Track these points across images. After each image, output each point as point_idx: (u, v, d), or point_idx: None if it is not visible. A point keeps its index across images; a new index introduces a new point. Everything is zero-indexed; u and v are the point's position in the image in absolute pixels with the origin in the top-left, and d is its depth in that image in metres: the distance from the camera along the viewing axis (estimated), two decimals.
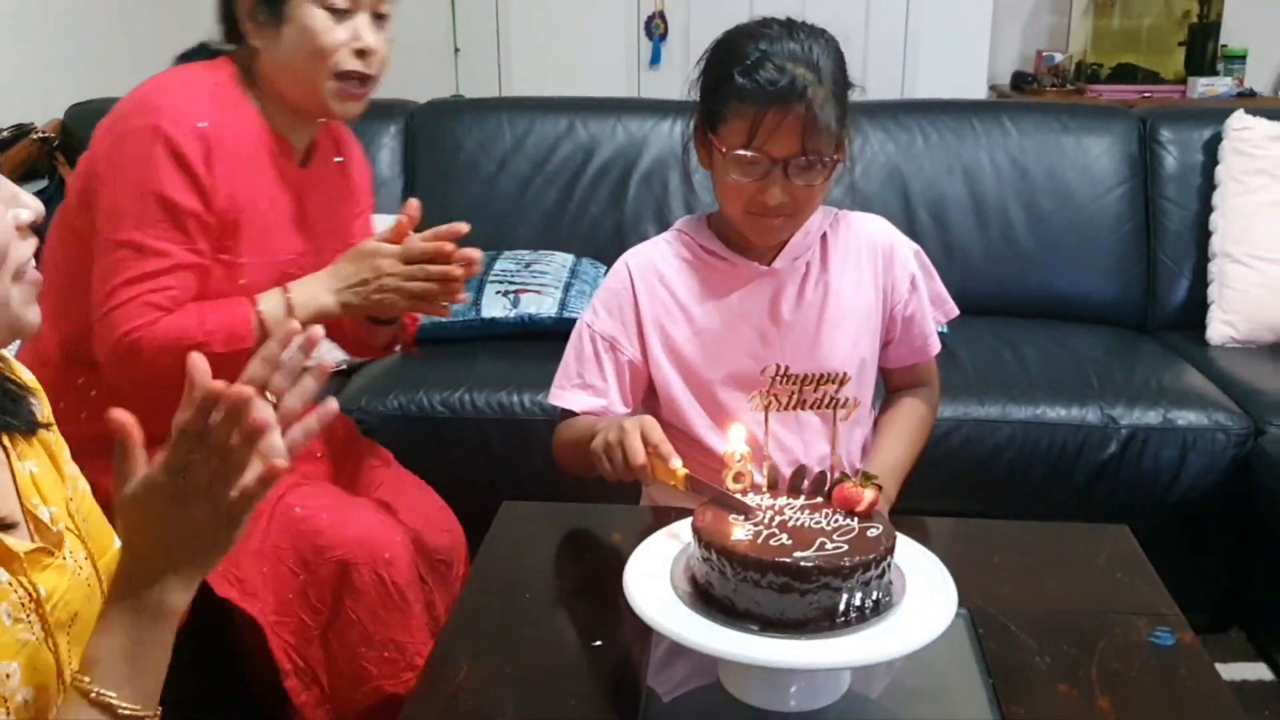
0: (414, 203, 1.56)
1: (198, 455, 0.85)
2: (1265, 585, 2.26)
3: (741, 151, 1.44)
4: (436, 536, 1.73)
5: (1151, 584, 1.34)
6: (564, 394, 1.60)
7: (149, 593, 0.87)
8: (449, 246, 1.53)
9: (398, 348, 1.80)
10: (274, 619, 1.54)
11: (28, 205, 0.92)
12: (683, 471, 1.30)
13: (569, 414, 1.60)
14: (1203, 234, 2.67)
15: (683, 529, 1.22)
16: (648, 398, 1.64)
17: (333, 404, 1.01)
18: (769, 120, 1.41)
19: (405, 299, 1.55)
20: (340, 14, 1.53)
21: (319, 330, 0.99)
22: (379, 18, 1.58)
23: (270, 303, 1.54)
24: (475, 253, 1.55)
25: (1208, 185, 2.68)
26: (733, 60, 1.45)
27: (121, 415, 0.86)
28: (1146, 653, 1.20)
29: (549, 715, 1.13)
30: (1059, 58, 3.86)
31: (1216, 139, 2.68)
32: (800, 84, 1.41)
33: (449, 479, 1.92)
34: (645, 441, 1.34)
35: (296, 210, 1.63)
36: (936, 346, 1.67)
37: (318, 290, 1.55)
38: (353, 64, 1.55)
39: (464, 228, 1.55)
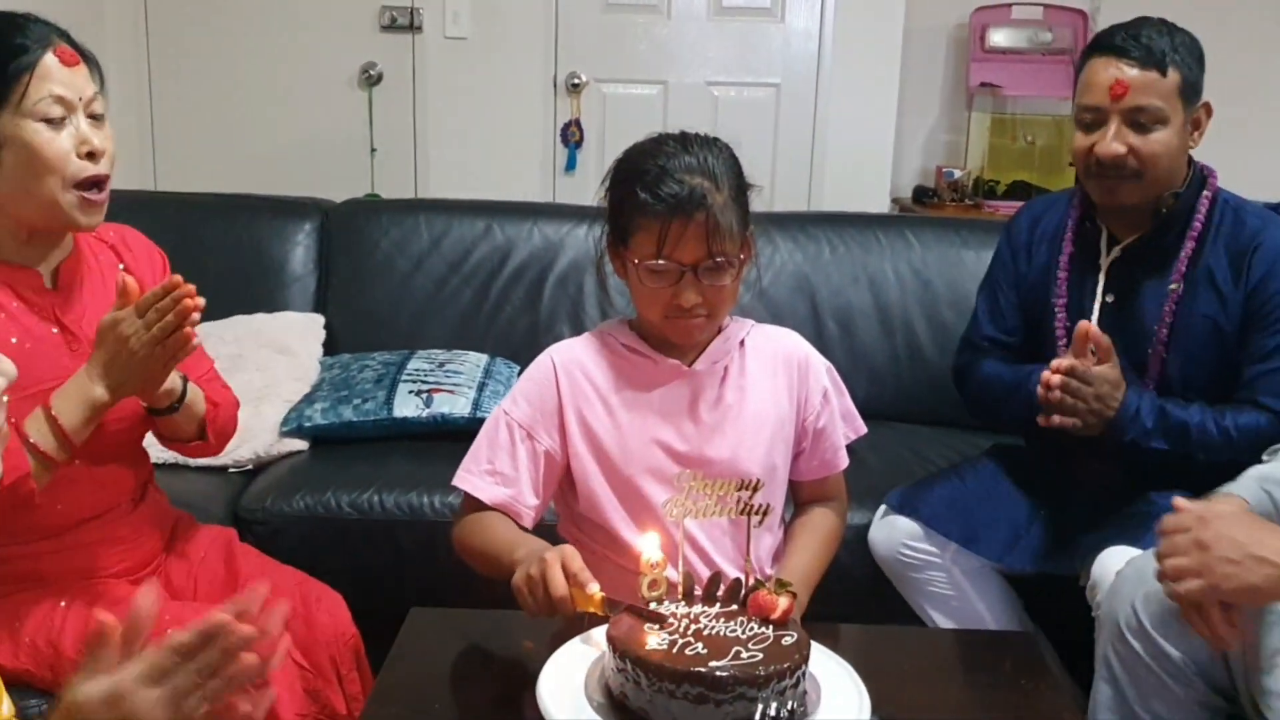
0: (128, 278, 1.52)
1: (181, 674, 0.91)
2: None
3: (653, 261, 1.50)
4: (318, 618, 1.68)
5: (1056, 689, 1.37)
6: (470, 478, 1.59)
7: None
8: (175, 280, 1.47)
9: (210, 436, 1.71)
10: None
11: None
12: (600, 595, 1.29)
13: (475, 502, 1.59)
14: None
15: (598, 636, 1.22)
16: (564, 492, 1.64)
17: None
18: (674, 229, 1.48)
19: (153, 349, 1.46)
20: (56, 123, 1.50)
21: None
22: (95, 118, 1.55)
23: (35, 426, 1.46)
24: (190, 287, 1.48)
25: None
26: (635, 178, 1.52)
27: (105, 616, 0.91)
28: None
29: None
30: (958, 174, 4.02)
31: None
32: (699, 193, 1.48)
33: (357, 583, 1.86)
34: (565, 571, 1.31)
35: (61, 335, 1.58)
36: (845, 461, 1.71)
37: (79, 388, 1.48)
38: (87, 168, 1.52)
39: (177, 278, 1.48)
